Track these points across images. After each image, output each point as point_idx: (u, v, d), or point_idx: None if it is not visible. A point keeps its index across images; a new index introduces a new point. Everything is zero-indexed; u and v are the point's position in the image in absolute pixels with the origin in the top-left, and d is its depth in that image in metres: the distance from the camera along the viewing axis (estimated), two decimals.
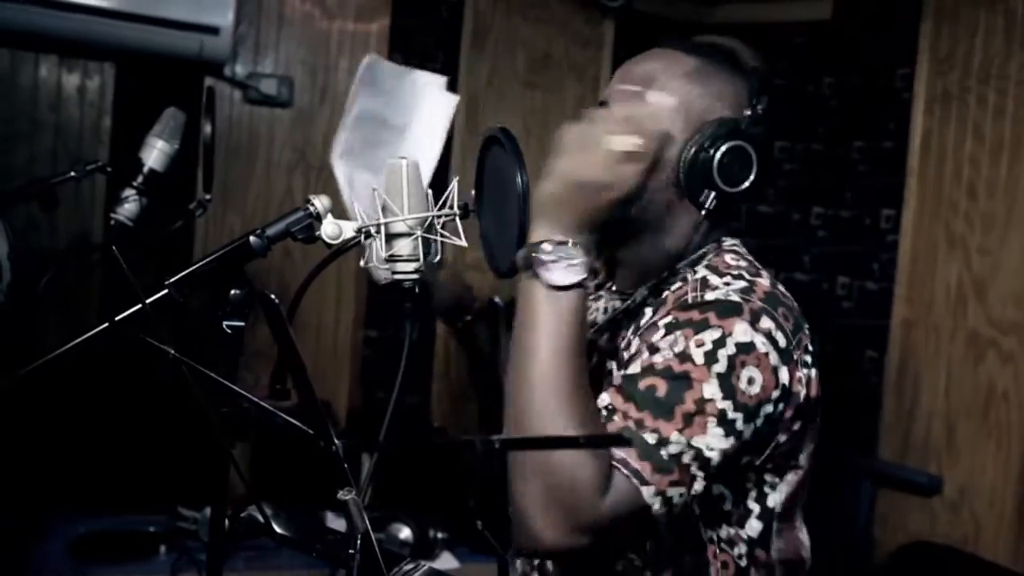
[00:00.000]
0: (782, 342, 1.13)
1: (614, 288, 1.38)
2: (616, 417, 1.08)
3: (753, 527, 1.22)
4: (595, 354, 1.30)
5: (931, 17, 2.85)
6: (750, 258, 1.28)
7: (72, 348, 1.05)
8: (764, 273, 1.23)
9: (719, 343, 1.09)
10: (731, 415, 1.08)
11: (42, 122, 2.49)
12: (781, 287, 1.22)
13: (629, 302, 1.30)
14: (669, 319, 1.13)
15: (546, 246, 1.11)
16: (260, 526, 1.00)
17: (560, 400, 1.06)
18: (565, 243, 1.11)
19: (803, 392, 1.17)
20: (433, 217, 1.16)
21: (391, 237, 1.15)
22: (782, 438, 1.17)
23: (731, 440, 1.09)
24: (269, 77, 2.68)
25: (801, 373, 1.16)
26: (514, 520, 1.06)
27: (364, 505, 0.82)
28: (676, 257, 1.28)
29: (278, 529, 1.02)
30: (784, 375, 1.13)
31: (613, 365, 1.26)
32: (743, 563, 1.21)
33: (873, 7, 3.05)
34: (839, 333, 3.16)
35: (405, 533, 2.09)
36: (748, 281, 1.17)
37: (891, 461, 2.89)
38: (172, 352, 0.90)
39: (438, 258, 1.19)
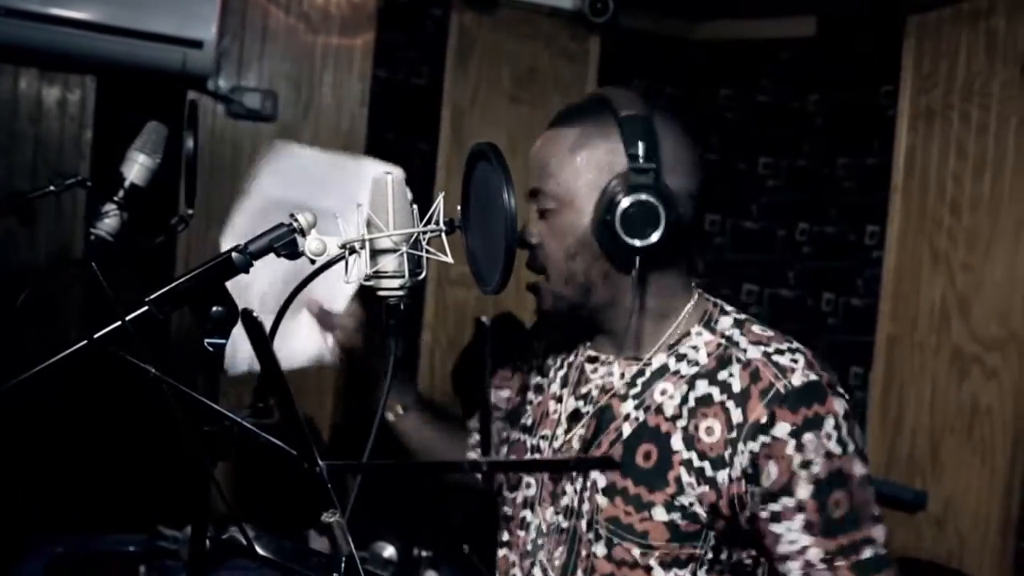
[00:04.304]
0: (843, 389, 1.25)
1: (618, 354, 1.37)
2: (839, 560, 1.19)
3: None
4: (621, 418, 1.30)
5: (914, 34, 2.87)
6: (755, 319, 1.34)
7: (50, 366, 1.02)
8: (789, 337, 1.30)
9: (837, 427, 1.19)
10: (869, 470, 1.23)
11: (22, 135, 2.47)
12: None
13: (644, 365, 1.32)
14: (788, 427, 1.18)
15: None
16: (241, 548, 0.98)
17: None
18: None
19: None
20: (419, 233, 1.14)
21: (376, 253, 1.13)
22: None
23: None
24: (253, 91, 2.67)
25: None
26: None
27: (348, 523, 0.81)
28: (658, 314, 1.32)
29: (260, 551, 1.00)
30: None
31: (660, 422, 1.27)
32: None
33: (857, 24, 3.07)
34: (824, 349, 3.17)
35: (389, 551, 2.06)
36: (799, 351, 1.25)
37: (876, 477, 2.88)
38: (152, 370, 0.89)
39: (423, 275, 1.17)
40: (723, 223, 3.29)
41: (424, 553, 2.14)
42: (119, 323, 0.97)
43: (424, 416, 1.61)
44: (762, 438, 1.19)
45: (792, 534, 1.20)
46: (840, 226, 3.16)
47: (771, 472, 1.19)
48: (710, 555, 1.24)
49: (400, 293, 1.15)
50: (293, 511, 1.94)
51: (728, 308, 1.35)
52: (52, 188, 1.56)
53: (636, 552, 1.24)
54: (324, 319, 1.52)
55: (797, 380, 1.20)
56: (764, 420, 1.19)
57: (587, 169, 1.27)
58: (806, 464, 1.18)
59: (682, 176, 1.27)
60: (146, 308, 1.02)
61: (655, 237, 1.22)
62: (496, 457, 1.56)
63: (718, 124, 3.30)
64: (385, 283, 1.14)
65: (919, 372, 2.79)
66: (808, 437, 1.18)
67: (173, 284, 1.04)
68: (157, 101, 2.48)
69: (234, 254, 1.07)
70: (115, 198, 1.52)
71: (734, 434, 1.21)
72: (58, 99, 2.51)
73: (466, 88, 2.96)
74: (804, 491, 1.18)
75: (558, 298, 1.32)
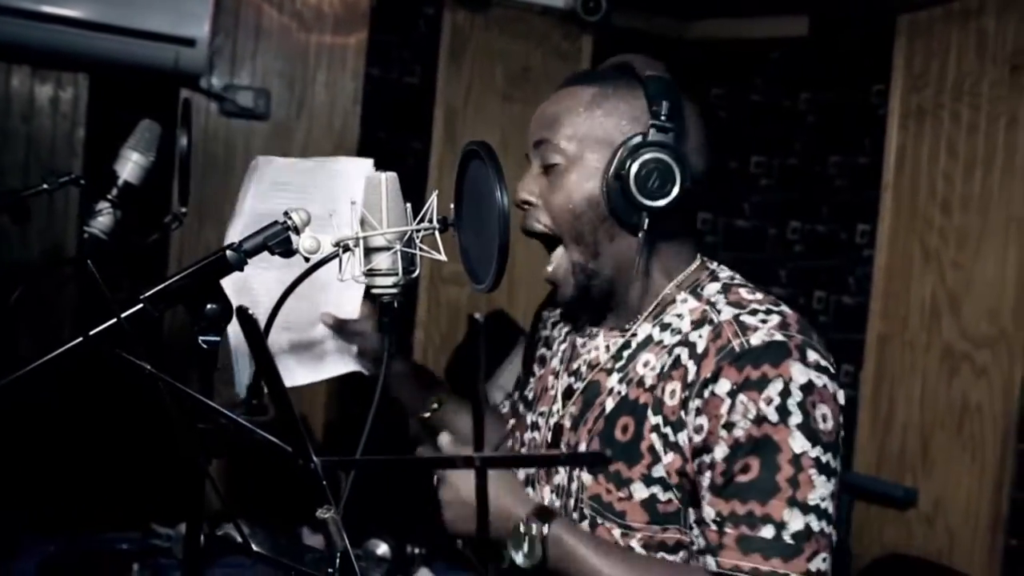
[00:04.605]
0: (830, 367, 1.16)
1: (604, 326, 1.36)
2: (728, 527, 1.10)
3: None
4: (605, 393, 1.29)
5: (905, 34, 2.89)
6: (751, 285, 1.28)
7: (45, 363, 1.03)
8: (778, 300, 1.23)
9: (785, 393, 1.10)
10: (824, 458, 1.10)
11: (14, 133, 2.47)
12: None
13: (630, 336, 1.29)
14: (728, 385, 1.12)
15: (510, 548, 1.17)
16: (236, 544, 0.98)
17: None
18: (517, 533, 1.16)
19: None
20: (412, 231, 1.15)
21: (370, 251, 1.14)
22: None
23: (834, 480, 1.12)
24: (246, 89, 2.67)
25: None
26: None
27: (341, 520, 0.81)
28: (655, 281, 1.29)
29: (255, 547, 1.01)
30: (840, 396, 1.16)
31: (640, 394, 1.24)
32: None
33: (849, 24, 3.08)
34: None
35: (382, 549, 2.06)
36: (779, 313, 1.18)
37: (867, 474, 2.90)
38: (148, 368, 0.89)
39: (416, 272, 1.18)
40: (715, 222, 3.31)
41: (418, 550, 2.14)
42: (115, 320, 0.98)
43: (458, 406, 1.62)
44: (704, 394, 1.14)
45: (702, 490, 1.15)
46: (831, 224, 3.17)
47: (703, 428, 1.14)
48: (701, 543, 1.19)
49: (394, 291, 1.16)
50: (286, 509, 1.94)
51: (722, 274, 1.30)
52: (46, 186, 1.55)
53: (617, 533, 1.21)
54: (342, 329, 1.53)
55: (756, 339, 1.14)
56: (709, 375, 1.14)
57: (602, 127, 1.24)
58: (729, 425, 1.12)
59: (698, 146, 1.26)
60: (141, 306, 1.02)
61: (668, 200, 1.18)
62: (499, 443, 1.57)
63: (710, 123, 3.31)
64: (379, 281, 1.15)
65: (910, 370, 2.81)
66: (742, 398, 1.11)
67: (168, 282, 1.05)
68: (150, 99, 2.48)
69: (228, 252, 1.08)
70: (108, 196, 1.52)
71: (687, 393, 1.17)
72: (50, 97, 2.50)
73: (459, 87, 2.97)
74: (720, 451, 1.12)
75: (577, 270, 1.27)
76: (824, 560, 1.09)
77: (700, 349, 1.18)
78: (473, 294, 2.93)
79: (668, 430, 1.18)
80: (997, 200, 2.60)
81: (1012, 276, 2.54)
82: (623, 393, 1.27)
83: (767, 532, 1.08)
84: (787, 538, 1.08)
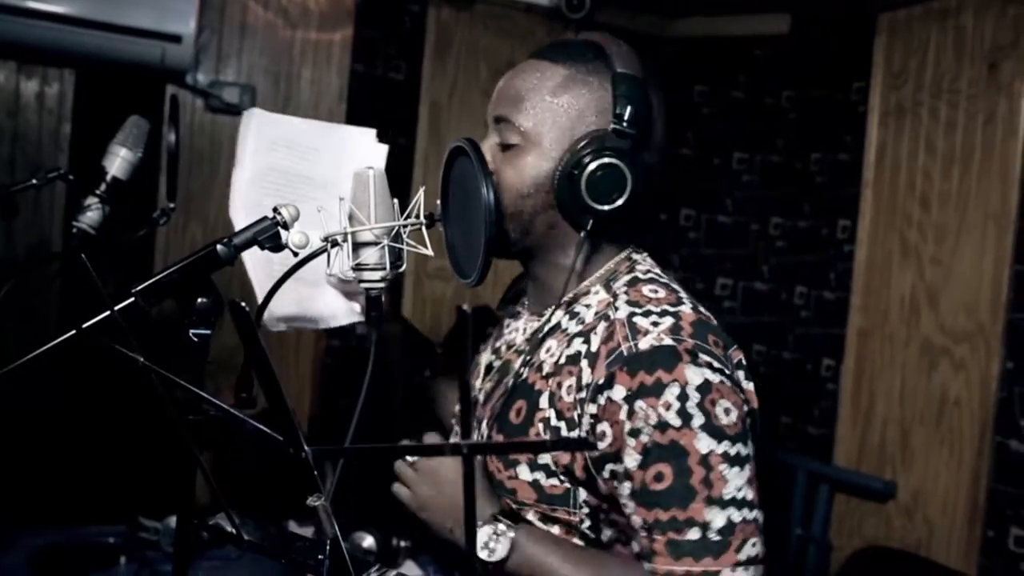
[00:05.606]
0: (726, 368, 1.15)
1: (528, 308, 1.38)
2: (656, 533, 1.11)
3: None
4: (511, 374, 1.30)
5: (885, 32, 2.92)
6: (665, 279, 1.26)
7: (37, 356, 1.04)
8: (684, 297, 1.22)
9: (683, 397, 1.10)
10: (732, 451, 1.11)
11: None
12: (701, 307, 1.21)
13: (544, 322, 1.29)
14: (623, 392, 1.12)
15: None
16: (227, 534, 1.00)
17: None
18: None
19: (750, 404, 1.19)
20: (400, 226, 1.17)
21: (358, 246, 1.16)
22: None
23: (748, 467, 1.12)
24: (231, 85, 2.68)
25: (744, 386, 1.19)
26: None
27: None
28: (579, 273, 1.28)
29: (246, 536, 1.03)
30: (743, 381, 1.18)
31: (536, 379, 1.25)
32: None
33: (830, 22, 3.12)
34: (797, 341, 3.21)
35: (368, 541, 2.08)
36: (673, 315, 1.16)
37: (847, 467, 2.94)
38: (141, 360, 0.90)
39: (403, 267, 1.20)
40: (698, 218, 3.34)
41: (403, 543, 2.16)
42: (107, 313, 0.99)
43: (450, 378, 1.65)
44: (600, 399, 1.14)
45: (623, 498, 1.15)
46: (813, 220, 3.20)
47: (607, 435, 1.13)
48: (587, 523, 1.20)
49: (381, 285, 1.18)
50: (271, 502, 1.96)
51: (639, 267, 1.27)
52: (34, 182, 1.57)
53: (513, 507, 1.23)
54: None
55: (645, 344, 1.12)
56: (602, 381, 1.13)
57: (566, 114, 1.22)
58: (634, 432, 1.11)
59: (654, 147, 1.24)
60: (132, 299, 1.04)
61: (615, 205, 1.18)
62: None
63: (693, 120, 3.33)
64: (366, 275, 1.17)
65: (889, 364, 2.84)
66: (640, 404, 1.10)
67: (160, 275, 1.07)
68: (135, 95, 2.49)
69: (219, 246, 1.09)
70: (97, 192, 1.53)
71: (583, 394, 1.16)
72: (36, 92, 2.50)
73: (444, 83, 2.98)
74: (631, 460, 1.12)
75: (496, 228, 1.25)
76: (754, 545, 1.11)
77: (594, 348, 1.17)
78: (458, 289, 2.95)
79: (561, 425, 1.19)
80: (975, 196, 2.64)
81: (989, 271, 2.58)
82: (523, 376, 1.27)
83: (693, 535, 1.09)
84: (713, 536, 1.09)
